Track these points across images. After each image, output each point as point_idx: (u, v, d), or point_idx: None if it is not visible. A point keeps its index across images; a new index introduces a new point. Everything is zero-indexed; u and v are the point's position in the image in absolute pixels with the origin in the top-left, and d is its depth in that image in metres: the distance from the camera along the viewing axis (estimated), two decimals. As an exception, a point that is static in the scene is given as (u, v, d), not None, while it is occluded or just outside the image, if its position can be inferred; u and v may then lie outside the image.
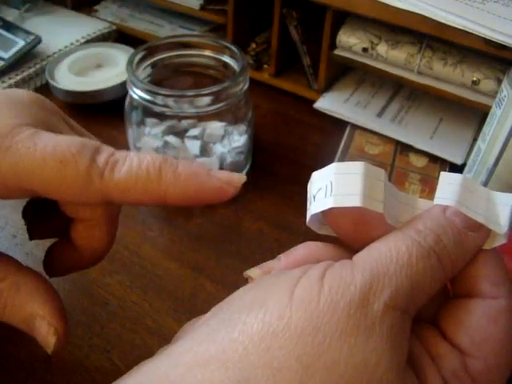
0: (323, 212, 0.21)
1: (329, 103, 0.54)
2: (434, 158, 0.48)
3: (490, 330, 0.20)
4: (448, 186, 0.22)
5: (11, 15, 0.64)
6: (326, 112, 0.53)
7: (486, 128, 0.37)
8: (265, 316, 0.18)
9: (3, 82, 0.54)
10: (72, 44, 0.61)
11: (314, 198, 0.21)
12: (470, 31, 0.41)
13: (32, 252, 0.39)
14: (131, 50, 0.56)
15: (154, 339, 0.34)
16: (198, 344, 0.18)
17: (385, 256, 0.19)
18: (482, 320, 0.20)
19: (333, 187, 0.20)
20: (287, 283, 0.19)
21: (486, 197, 0.22)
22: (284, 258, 0.23)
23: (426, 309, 0.21)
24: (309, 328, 0.17)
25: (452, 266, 0.20)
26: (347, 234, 0.22)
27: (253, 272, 0.23)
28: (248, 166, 0.47)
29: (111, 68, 0.56)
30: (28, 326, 0.23)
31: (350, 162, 0.21)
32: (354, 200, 0.20)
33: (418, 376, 0.19)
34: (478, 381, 0.19)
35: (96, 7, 0.68)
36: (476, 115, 0.52)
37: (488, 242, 0.21)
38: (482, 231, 0.21)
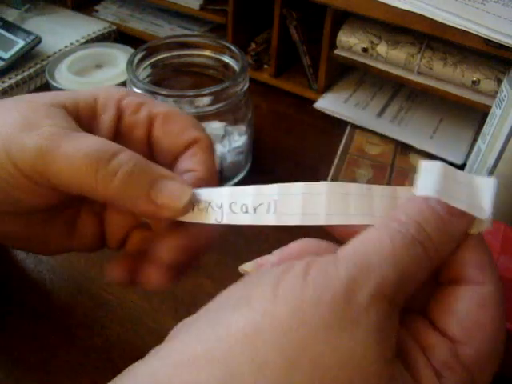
0: None
1: (329, 103, 0.54)
2: (433, 158, 0.48)
3: (479, 316, 0.19)
4: (428, 174, 0.21)
5: (11, 15, 0.64)
6: (326, 112, 0.53)
7: (486, 128, 0.37)
8: (249, 313, 0.18)
9: (3, 82, 0.54)
10: (72, 44, 0.61)
11: (255, 210, 0.22)
12: (469, 31, 0.41)
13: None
14: (131, 50, 0.56)
15: (153, 339, 0.33)
16: (185, 344, 0.18)
17: (368, 248, 0.19)
18: (471, 306, 0.20)
19: (276, 206, 0.22)
20: (271, 280, 0.19)
21: (467, 182, 0.21)
22: (278, 253, 0.23)
23: (416, 298, 0.21)
24: (292, 322, 0.17)
25: (437, 254, 0.20)
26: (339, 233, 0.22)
27: (247, 266, 0.23)
28: (248, 166, 0.47)
29: (111, 68, 0.56)
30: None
31: (293, 184, 0.22)
32: (293, 219, 0.21)
33: (408, 368, 0.18)
34: (470, 368, 0.19)
35: (96, 7, 0.68)
36: (476, 115, 0.52)
37: (473, 227, 0.21)
38: (466, 217, 0.21)
